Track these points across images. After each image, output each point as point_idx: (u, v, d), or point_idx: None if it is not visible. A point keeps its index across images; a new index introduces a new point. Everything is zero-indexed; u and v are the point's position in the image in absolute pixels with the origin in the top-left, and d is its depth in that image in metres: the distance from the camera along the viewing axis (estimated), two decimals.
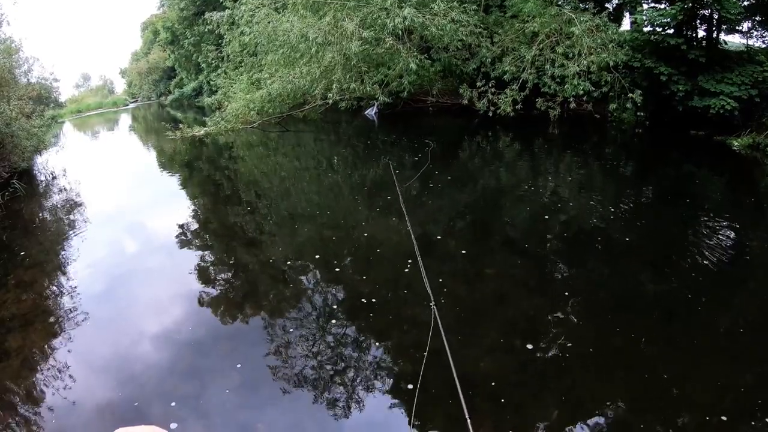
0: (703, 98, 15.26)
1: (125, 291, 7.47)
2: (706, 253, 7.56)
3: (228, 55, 25.79)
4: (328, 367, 5.22)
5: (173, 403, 4.74)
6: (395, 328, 5.87)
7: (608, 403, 4.56)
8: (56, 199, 14.33)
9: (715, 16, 15.94)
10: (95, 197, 13.60)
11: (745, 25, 19.17)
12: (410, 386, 4.71)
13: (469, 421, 4.08)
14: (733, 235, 8.51)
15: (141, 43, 73.41)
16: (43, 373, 5.41)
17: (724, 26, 16.81)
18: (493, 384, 4.76)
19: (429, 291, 6.23)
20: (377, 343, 5.56)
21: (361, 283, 6.92)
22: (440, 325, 5.43)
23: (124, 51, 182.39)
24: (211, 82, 33.85)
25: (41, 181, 17.30)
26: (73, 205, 12.97)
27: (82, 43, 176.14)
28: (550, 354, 5.22)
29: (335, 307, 6.48)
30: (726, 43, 17.60)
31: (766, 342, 5.33)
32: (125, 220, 11.19)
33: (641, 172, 13.51)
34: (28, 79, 22.83)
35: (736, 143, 14.51)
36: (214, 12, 25.94)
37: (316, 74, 18.61)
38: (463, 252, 7.82)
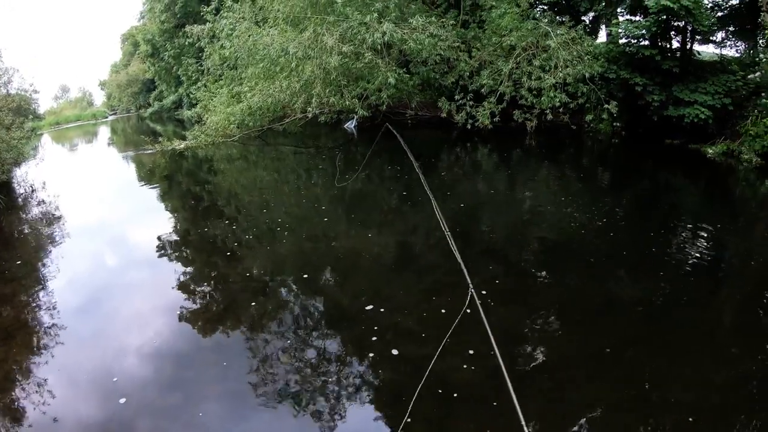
0: (677, 108, 15.64)
1: (106, 304, 7.43)
2: (683, 258, 7.81)
3: (208, 68, 25.73)
4: (312, 378, 5.25)
5: (156, 416, 4.76)
6: (376, 339, 5.91)
7: (590, 406, 4.68)
8: (36, 212, 14.21)
9: (689, 28, 16.32)
10: (75, 210, 13.52)
11: (719, 36, 19.68)
12: (403, 398, 4.76)
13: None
14: (709, 240, 8.77)
15: (120, 55, 72.96)
16: (24, 388, 5.37)
17: (697, 37, 17.24)
18: (472, 388, 4.87)
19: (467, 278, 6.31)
20: (360, 355, 5.61)
21: (342, 295, 7.01)
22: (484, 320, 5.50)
23: (103, 63, 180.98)
24: (191, 95, 33.70)
25: (20, 193, 17.11)
26: (52, 219, 12.87)
27: (61, 54, 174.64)
28: (531, 358, 5.36)
29: (317, 317, 6.56)
30: (699, 53, 18.04)
31: (743, 342, 5.53)
32: (105, 234, 11.15)
33: (618, 181, 13.80)
34: (7, 90, 22.56)
35: (710, 151, 14.89)
36: (195, 25, 25.81)
37: (296, 88, 18.68)
38: (444, 263, 7.93)
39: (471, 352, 5.37)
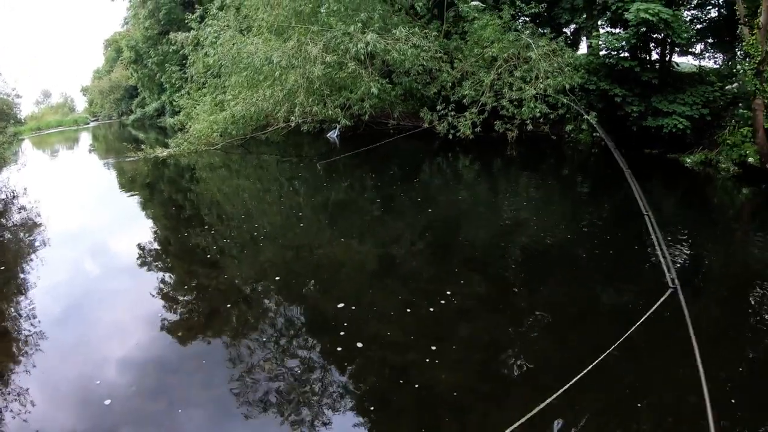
0: (656, 118, 15.92)
1: (87, 313, 7.39)
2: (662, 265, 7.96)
3: (192, 76, 25.71)
4: (295, 386, 5.26)
5: (140, 425, 4.76)
6: (359, 347, 5.93)
7: (573, 411, 4.75)
8: (16, 218, 14.08)
9: (668, 40, 16.61)
10: (56, 217, 13.40)
11: (698, 47, 20.07)
12: (373, 407, 4.82)
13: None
14: (687, 247, 8.96)
15: (103, 60, 72.52)
16: (4, 397, 5.32)
17: (676, 49, 17.55)
18: (455, 394, 4.93)
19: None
20: (341, 363, 5.64)
21: (324, 302, 7.04)
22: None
23: (86, 68, 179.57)
24: (174, 103, 33.62)
25: (1, 199, 16.98)
26: (33, 225, 12.75)
27: (43, 59, 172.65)
28: (513, 365, 5.46)
29: (298, 325, 6.60)
30: (678, 65, 18.38)
31: (723, 346, 5.69)
32: (86, 241, 11.08)
33: (597, 190, 14.01)
34: None
35: (688, 160, 15.18)
36: (179, 32, 25.86)
37: (279, 97, 18.72)
38: (425, 271, 8.01)
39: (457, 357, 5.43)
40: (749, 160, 13.77)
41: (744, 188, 13.28)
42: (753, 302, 7.05)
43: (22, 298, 8.03)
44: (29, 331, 6.77)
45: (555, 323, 6.34)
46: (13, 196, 17.25)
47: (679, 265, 8.05)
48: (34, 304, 7.63)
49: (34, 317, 7.19)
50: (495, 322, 6.48)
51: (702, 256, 8.80)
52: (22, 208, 15.21)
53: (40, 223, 12.90)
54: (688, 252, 8.79)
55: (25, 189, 18.11)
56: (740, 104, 15.10)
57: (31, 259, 9.94)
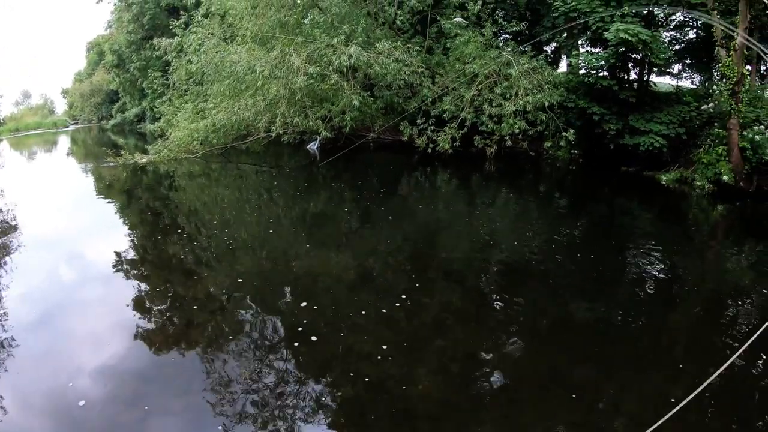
0: (633, 136, 16.27)
1: (60, 321, 7.22)
2: (637, 279, 8.18)
3: (174, 83, 25.65)
4: (272, 399, 5.20)
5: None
6: (335, 359, 5.95)
7: (548, 422, 4.79)
8: None
9: (647, 60, 16.95)
10: (31, 221, 13.10)
11: (676, 68, 20.52)
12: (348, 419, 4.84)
13: None
14: (662, 262, 9.14)
15: (85, 63, 72.06)
16: None
17: (654, 69, 17.91)
18: (430, 406, 4.97)
19: None
20: (316, 374, 5.63)
21: (300, 314, 7.05)
22: None
23: (67, 70, 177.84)
24: (155, 109, 33.48)
25: None
26: (7, 228, 12.57)
27: (23, 59, 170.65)
28: (489, 377, 5.52)
29: (273, 336, 6.59)
30: (655, 84, 18.78)
31: (694, 359, 5.79)
32: (61, 247, 10.85)
33: (575, 206, 14.20)
34: None
35: (664, 178, 15.50)
36: (163, 38, 25.85)
37: (260, 107, 18.74)
38: (403, 284, 8.05)
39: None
40: (724, 178, 14.09)
41: (719, 205, 13.59)
42: (729, 314, 7.24)
43: None
44: (1, 337, 6.61)
45: (530, 336, 6.42)
46: None
47: (650, 279, 8.24)
48: (7, 309, 7.42)
49: (8, 322, 6.97)
50: (471, 334, 6.53)
51: (674, 271, 8.96)
52: None
53: (16, 226, 12.70)
54: (661, 266, 8.98)
55: (1, 191, 17.88)
56: (716, 124, 15.45)
57: (4, 263, 9.78)
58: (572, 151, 18.75)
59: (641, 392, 5.24)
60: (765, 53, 12.11)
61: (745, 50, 14.07)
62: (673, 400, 4.48)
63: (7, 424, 4.89)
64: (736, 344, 6.04)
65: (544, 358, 5.86)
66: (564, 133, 17.30)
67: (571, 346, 6.10)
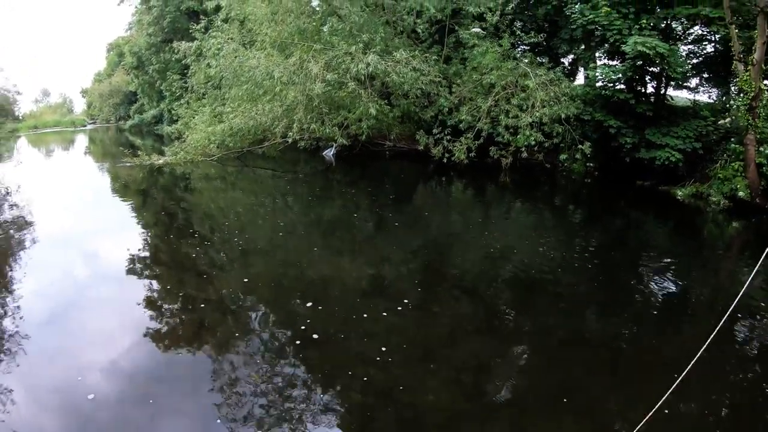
0: (649, 150, 16.15)
1: (72, 317, 7.35)
2: (650, 294, 8.15)
3: (192, 86, 25.83)
4: (280, 403, 5.24)
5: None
6: (344, 365, 5.95)
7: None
8: (7, 215, 14.03)
9: (664, 74, 16.87)
10: (47, 217, 13.32)
11: (693, 82, 20.37)
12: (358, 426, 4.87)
13: None
14: (676, 278, 9.09)
15: (105, 64, 72.83)
16: None
17: (672, 83, 17.82)
18: (441, 415, 4.99)
19: None
20: (325, 380, 5.66)
21: (311, 319, 7.09)
22: None
23: (87, 70, 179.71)
24: (173, 111, 33.68)
25: None
26: (24, 224, 12.69)
27: (44, 58, 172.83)
28: (500, 388, 5.55)
29: (284, 341, 6.62)
30: (672, 98, 18.67)
31: (707, 376, 5.69)
32: (76, 244, 11.00)
33: (590, 220, 14.15)
34: None
35: (680, 193, 15.40)
36: (182, 41, 26.02)
37: (278, 112, 18.91)
38: (414, 293, 8.08)
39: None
40: (740, 194, 13.93)
41: (734, 221, 13.46)
42: (742, 329, 7.17)
43: (8, 296, 7.89)
44: (14, 331, 6.68)
45: (542, 348, 6.44)
46: (6, 193, 17.26)
47: (665, 295, 8.22)
48: (20, 305, 7.52)
49: (21, 318, 7.09)
50: (482, 344, 6.54)
51: (689, 287, 8.92)
52: (14, 205, 15.22)
53: (32, 222, 12.85)
54: (675, 281, 8.95)
55: (18, 186, 18.12)
56: (732, 139, 15.30)
57: (19, 258, 9.90)
58: (588, 164, 18.71)
59: (652, 408, 5.23)
60: None
61: (763, 65, 13.98)
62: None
63: (17, 415, 4.96)
64: (751, 364, 6.04)
65: (556, 371, 5.86)
66: (580, 146, 17.27)
67: (583, 359, 6.10)
